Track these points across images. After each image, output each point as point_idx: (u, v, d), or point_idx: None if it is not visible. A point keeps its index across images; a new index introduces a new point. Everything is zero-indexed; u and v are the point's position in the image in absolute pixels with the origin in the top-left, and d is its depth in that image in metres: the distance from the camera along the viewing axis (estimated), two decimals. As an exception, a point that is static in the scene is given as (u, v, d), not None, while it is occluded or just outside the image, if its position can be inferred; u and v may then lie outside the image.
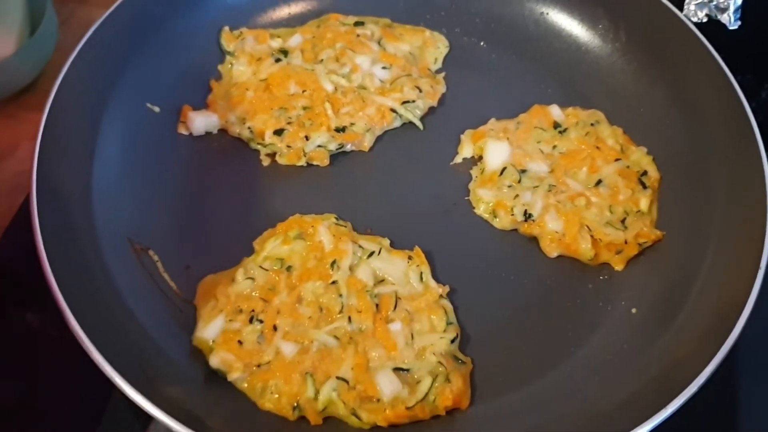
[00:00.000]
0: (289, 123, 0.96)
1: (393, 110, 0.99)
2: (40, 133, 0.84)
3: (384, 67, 1.03)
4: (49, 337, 0.86)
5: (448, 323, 0.82)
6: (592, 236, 0.89)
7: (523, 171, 0.95)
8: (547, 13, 1.11)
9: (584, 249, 0.89)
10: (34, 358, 0.86)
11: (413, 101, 1.00)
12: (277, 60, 1.03)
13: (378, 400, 0.76)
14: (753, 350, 0.89)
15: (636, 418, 0.69)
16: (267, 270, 0.84)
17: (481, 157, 0.98)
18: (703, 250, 0.86)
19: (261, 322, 0.80)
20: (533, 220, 0.91)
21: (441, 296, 0.84)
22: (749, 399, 0.87)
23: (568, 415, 0.76)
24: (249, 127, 0.96)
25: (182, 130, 0.98)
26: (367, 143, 0.98)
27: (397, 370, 0.78)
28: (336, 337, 0.79)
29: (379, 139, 1.00)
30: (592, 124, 1.00)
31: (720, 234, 0.87)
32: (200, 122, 0.97)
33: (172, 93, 1.00)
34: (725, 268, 0.83)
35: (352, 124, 0.97)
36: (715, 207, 0.89)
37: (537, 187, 0.94)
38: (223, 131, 0.99)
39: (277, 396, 0.76)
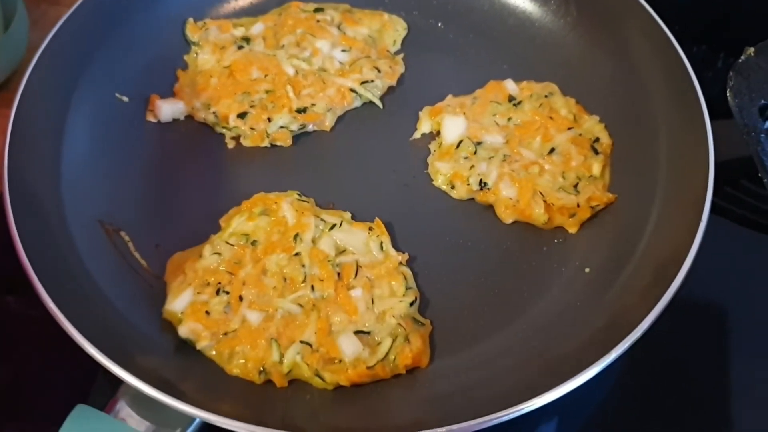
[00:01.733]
0: (252, 106, 1.00)
1: (353, 90, 1.03)
2: (10, 125, 0.88)
3: (343, 50, 1.07)
4: (30, 317, 0.89)
5: (408, 288, 0.86)
6: (545, 201, 0.93)
7: (479, 143, 0.99)
8: (501, -8, 1.15)
9: (537, 214, 0.92)
10: (17, 339, 0.90)
11: (372, 81, 1.04)
12: (240, 47, 1.06)
13: (340, 361, 0.79)
14: (746, 340, 0.93)
15: (580, 365, 0.73)
16: (233, 245, 0.88)
17: (438, 132, 1.02)
18: (650, 211, 0.90)
19: (227, 293, 0.84)
20: (488, 189, 0.95)
21: (401, 263, 0.88)
22: (742, 389, 0.89)
23: (519, 366, 0.79)
24: (214, 112, 1.00)
25: (150, 118, 1.02)
26: (328, 123, 1.02)
27: (358, 333, 0.81)
28: (299, 305, 0.83)
29: (340, 118, 1.04)
30: (546, 96, 1.04)
31: (666, 195, 0.90)
32: (167, 109, 1.01)
33: (140, 83, 1.04)
34: (669, 224, 0.87)
35: (313, 105, 1.01)
36: (662, 170, 0.93)
37: (492, 157, 0.97)
38: (189, 117, 1.03)
39: (243, 361, 0.79)
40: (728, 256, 1.00)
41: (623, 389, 0.90)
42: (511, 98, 1.04)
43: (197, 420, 0.74)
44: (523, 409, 0.70)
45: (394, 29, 1.12)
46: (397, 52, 1.11)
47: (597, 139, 0.99)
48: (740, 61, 1.01)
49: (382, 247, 0.89)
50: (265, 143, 0.99)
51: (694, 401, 0.89)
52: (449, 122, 1.01)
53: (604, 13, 1.07)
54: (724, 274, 0.99)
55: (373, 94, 1.04)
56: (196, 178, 0.97)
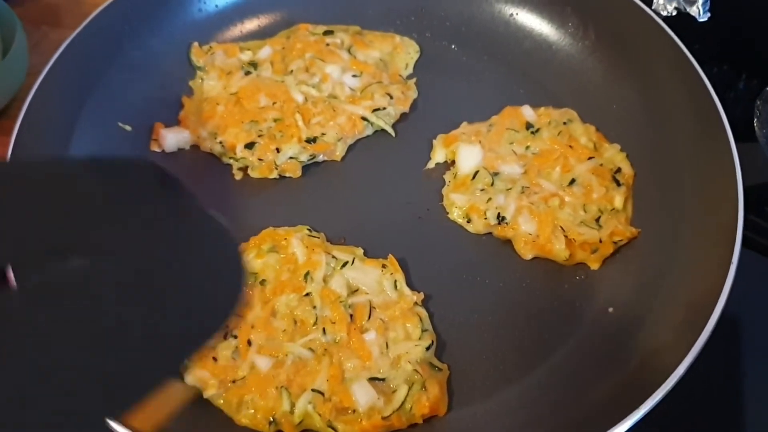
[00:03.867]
0: (260, 136, 0.96)
1: (364, 118, 0.99)
2: (9, 155, 0.84)
3: (354, 75, 1.03)
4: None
5: (423, 330, 0.82)
6: (566, 236, 0.89)
7: (496, 174, 0.95)
8: (517, 14, 1.11)
9: (558, 249, 0.88)
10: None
11: (384, 108, 1.00)
12: (247, 73, 1.03)
13: (353, 411, 0.76)
14: (758, 344, 0.90)
15: (615, 415, 0.69)
16: (241, 285, 0.84)
17: (453, 162, 0.98)
18: (676, 245, 0.86)
19: (235, 337, 0.80)
20: (506, 223, 0.91)
21: (416, 303, 0.84)
22: (753, 393, 0.87)
23: (547, 416, 0.75)
24: (220, 142, 0.96)
25: (155, 148, 0.98)
26: (338, 153, 0.98)
27: (372, 380, 0.78)
28: (311, 349, 0.79)
29: (351, 147, 1.00)
30: (564, 123, 1.00)
31: (693, 228, 0.86)
32: (172, 139, 0.98)
33: (143, 111, 1.00)
34: (697, 260, 0.82)
35: (323, 134, 0.97)
36: (688, 201, 0.89)
37: (510, 189, 0.93)
38: (195, 147, 0.99)
39: (253, 411, 0.76)
40: (751, 284, 0.96)
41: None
42: (528, 125, 1.00)
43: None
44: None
45: (406, 52, 1.08)
46: (409, 77, 1.07)
47: (618, 170, 0.95)
48: (767, 89, 0.98)
49: (396, 286, 0.85)
50: (274, 174, 0.95)
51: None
52: (464, 151, 0.97)
53: (624, 36, 1.03)
54: (747, 302, 0.95)
55: (385, 122, 1.00)
56: (202, 212, 0.93)
